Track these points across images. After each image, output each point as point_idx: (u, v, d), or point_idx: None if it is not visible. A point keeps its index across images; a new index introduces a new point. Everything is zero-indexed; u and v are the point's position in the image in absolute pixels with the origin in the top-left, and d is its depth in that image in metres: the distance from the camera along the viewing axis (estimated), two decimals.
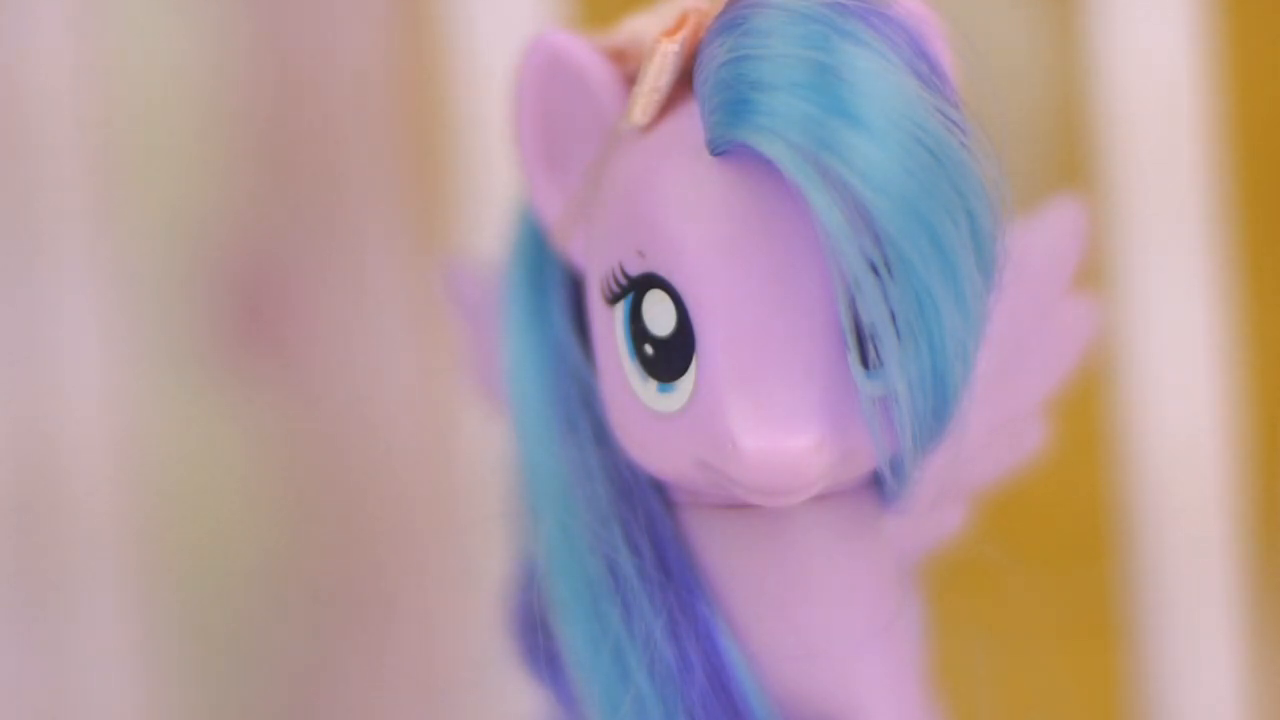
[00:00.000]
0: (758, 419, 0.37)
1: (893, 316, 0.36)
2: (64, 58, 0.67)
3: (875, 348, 0.36)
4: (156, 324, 0.70)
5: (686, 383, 0.37)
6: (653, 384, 0.38)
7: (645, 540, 0.39)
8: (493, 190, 0.61)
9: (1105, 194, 0.63)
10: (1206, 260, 0.63)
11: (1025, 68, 0.67)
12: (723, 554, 0.39)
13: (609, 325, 0.38)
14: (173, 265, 0.71)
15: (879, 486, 0.39)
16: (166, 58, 0.71)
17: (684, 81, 0.38)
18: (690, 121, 0.38)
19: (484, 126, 0.62)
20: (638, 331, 0.38)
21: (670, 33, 0.38)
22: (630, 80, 0.39)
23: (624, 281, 0.38)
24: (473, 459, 0.64)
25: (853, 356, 0.37)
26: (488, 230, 0.59)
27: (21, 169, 0.67)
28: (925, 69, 0.37)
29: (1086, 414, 0.63)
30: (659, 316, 0.38)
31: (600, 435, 0.40)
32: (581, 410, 0.41)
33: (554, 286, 0.42)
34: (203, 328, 0.71)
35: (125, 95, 0.69)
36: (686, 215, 0.37)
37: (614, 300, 0.38)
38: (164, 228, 0.71)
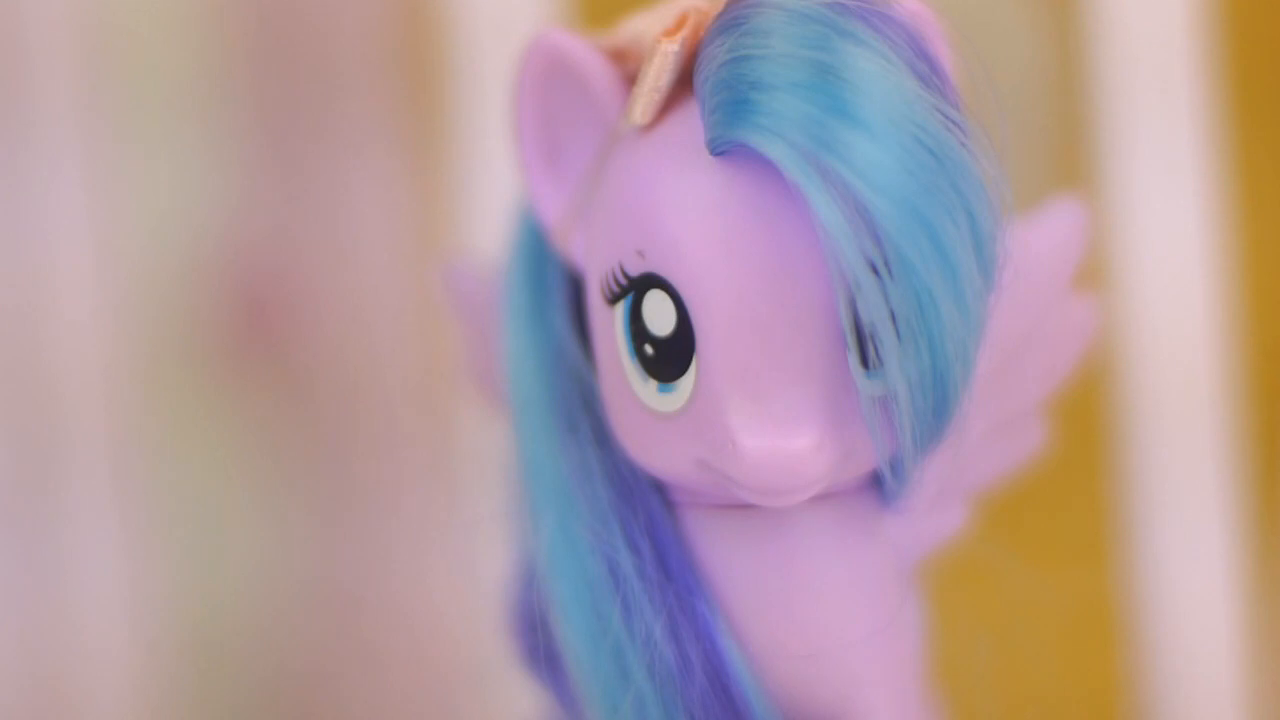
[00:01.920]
0: (758, 419, 0.37)
1: (893, 316, 0.36)
2: (62, 58, 0.67)
3: (875, 348, 0.36)
4: (157, 325, 0.70)
5: (686, 383, 0.37)
6: (653, 384, 0.38)
7: (645, 540, 0.39)
8: (493, 190, 0.61)
9: (1105, 194, 0.63)
10: (1206, 259, 0.63)
11: (1025, 68, 0.67)
12: (723, 554, 0.39)
13: (609, 325, 0.38)
14: (173, 265, 0.71)
15: (879, 486, 0.39)
16: (166, 54, 0.71)
17: (684, 81, 0.38)
18: (690, 121, 0.38)
19: (484, 126, 0.62)
20: (638, 331, 0.38)
21: (670, 33, 0.38)
22: (630, 80, 0.39)
23: (624, 281, 0.38)
24: (473, 459, 0.64)
25: (853, 356, 0.37)
26: (488, 230, 0.59)
27: (18, 168, 0.67)
28: (925, 69, 0.37)
29: (1086, 414, 0.63)
30: (659, 316, 0.38)
31: (600, 435, 0.40)
32: (581, 410, 0.41)
33: (554, 286, 0.42)
34: (203, 328, 0.71)
35: (125, 92, 0.69)
36: (686, 215, 0.37)
37: (614, 300, 0.38)
38: (163, 230, 0.71)
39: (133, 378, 0.69)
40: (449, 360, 0.65)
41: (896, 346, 0.36)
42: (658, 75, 0.38)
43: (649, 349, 0.38)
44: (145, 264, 0.70)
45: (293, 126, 0.70)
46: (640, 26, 0.40)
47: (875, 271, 0.35)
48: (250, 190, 0.71)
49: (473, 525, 0.66)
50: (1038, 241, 0.41)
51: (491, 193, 0.61)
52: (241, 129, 0.71)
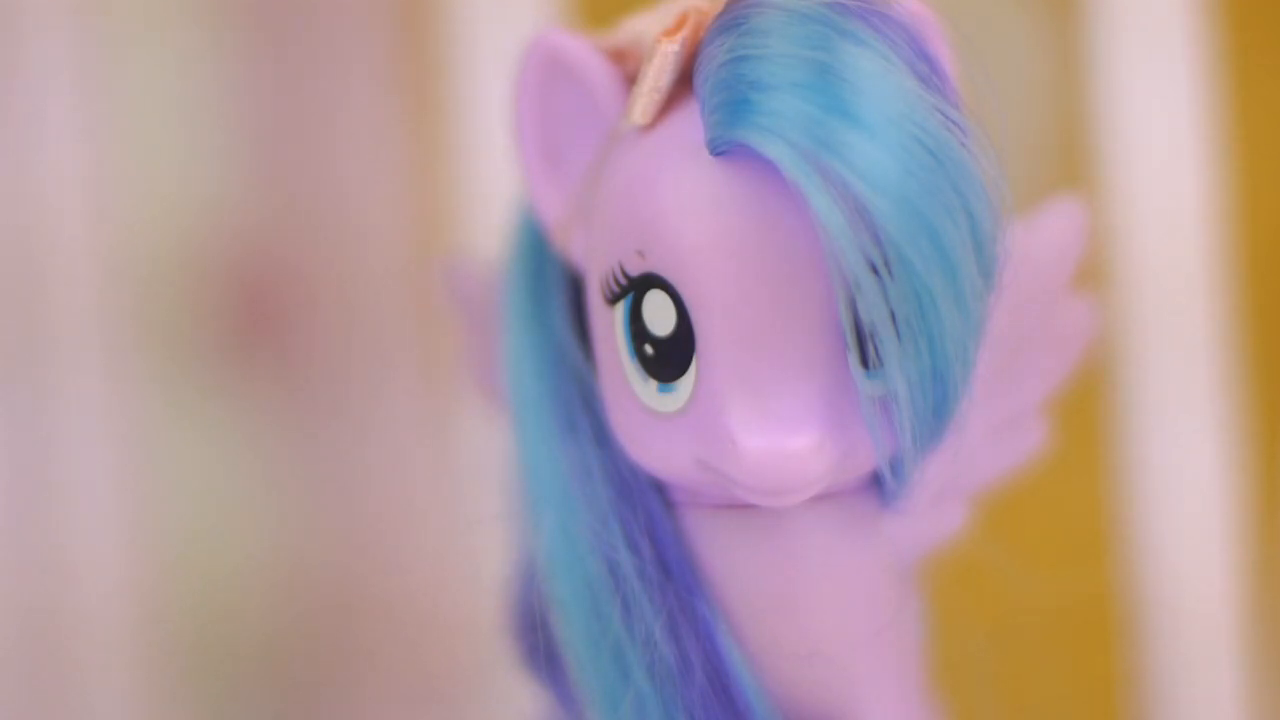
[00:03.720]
0: (758, 419, 0.37)
1: (893, 316, 0.36)
2: (65, 62, 0.67)
3: (875, 348, 0.36)
4: (156, 326, 0.70)
5: (686, 383, 0.37)
6: (653, 384, 0.38)
7: (645, 540, 0.39)
8: (493, 190, 0.61)
9: (1105, 194, 0.63)
10: (1206, 257, 0.63)
11: (1025, 68, 0.67)
12: (723, 554, 0.39)
13: (609, 325, 0.38)
14: (173, 267, 0.71)
15: (879, 486, 0.39)
16: (167, 60, 0.71)
17: (684, 81, 0.38)
18: (690, 121, 0.38)
19: (484, 126, 0.62)
20: (638, 331, 0.38)
21: (670, 32, 0.38)
22: (630, 80, 0.39)
23: (624, 281, 0.38)
24: (473, 459, 0.64)
25: (853, 356, 0.37)
26: (488, 230, 0.59)
27: (21, 170, 0.67)
28: (925, 69, 0.37)
29: (1086, 414, 0.63)
30: (659, 316, 0.38)
31: (600, 435, 0.40)
32: (581, 410, 0.41)
33: (554, 286, 0.42)
34: (203, 327, 0.71)
35: (124, 92, 0.69)
36: (686, 215, 0.37)
37: (614, 300, 0.38)
38: (164, 230, 0.71)
39: (131, 363, 0.69)
40: (449, 360, 0.65)
41: (896, 346, 0.36)
42: (658, 75, 0.38)
43: (649, 349, 0.38)
44: (145, 254, 0.70)
45: (293, 125, 0.70)
46: (640, 26, 0.40)
47: (875, 271, 0.35)
48: (251, 186, 0.71)
49: (473, 525, 0.66)
50: (1038, 241, 0.41)
51: (491, 193, 0.61)
52: (244, 123, 0.71)
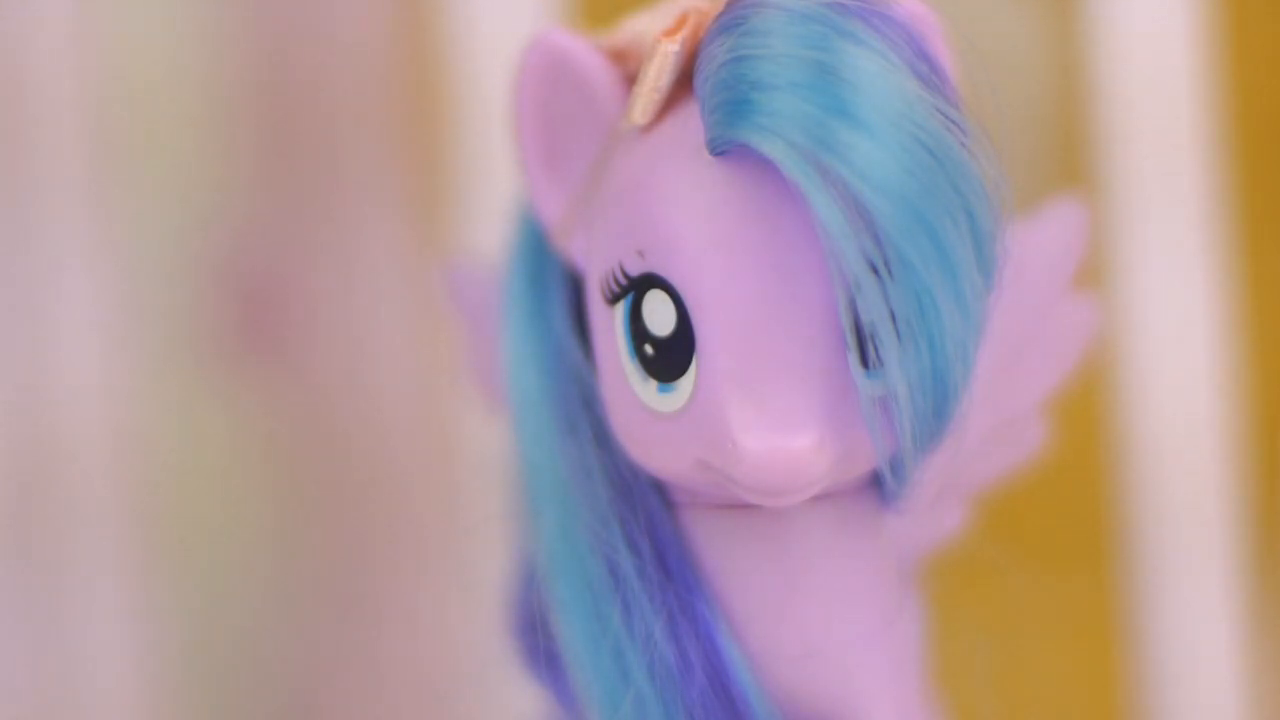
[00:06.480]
0: (758, 419, 0.37)
1: (893, 316, 0.36)
2: (63, 55, 0.67)
3: (875, 348, 0.36)
4: (157, 324, 0.70)
5: (686, 383, 0.37)
6: (653, 384, 0.38)
7: (645, 540, 0.39)
8: (493, 190, 0.61)
9: (1105, 194, 0.63)
10: (1206, 259, 0.63)
11: (1025, 68, 0.67)
12: (723, 554, 0.39)
13: (609, 325, 0.38)
14: (173, 265, 0.71)
15: (879, 486, 0.39)
16: (166, 58, 0.71)
17: (684, 81, 0.38)
18: (690, 121, 0.38)
19: (484, 126, 0.62)
20: (638, 331, 0.38)
21: (670, 32, 0.38)
22: (630, 80, 0.39)
23: (624, 281, 0.38)
24: (473, 459, 0.64)
25: (853, 356, 0.37)
26: (488, 230, 0.59)
27: (20, 167, 0.67)
28: (925, 69, 0.37)
29: (1086, 414, 0.63)
30: (659, 316, 0.38)
31: (600, 435, 0.40)
32: (581, 410, 0.41)
33: (554, 286, 0.42)
34: (203, 327, 0.71)
35: (124, 95, 0.69)
36: (686, 215, 0.37)
37: (614, 300, 0.38)
38: (164, 228, 0.71)
39: (133, 377, 0.69)
40: (449, 360, 0.65)
41: (896, 346, 0.36)
42: (658, 75, 0.38)
43: (649, 349, 0.38)
44: (147, 268, 0.70)
45: (294, 124, 0.70)
46: (640, 26, 0.40)
47: (875, 271, 0.35)
48: (251, 189, 0.71)
49: (473, 526, 0.66)
50: (1038, 242, 0.41)
51: (491, 193, 0.61)
52: (244, 126, 0.71)
